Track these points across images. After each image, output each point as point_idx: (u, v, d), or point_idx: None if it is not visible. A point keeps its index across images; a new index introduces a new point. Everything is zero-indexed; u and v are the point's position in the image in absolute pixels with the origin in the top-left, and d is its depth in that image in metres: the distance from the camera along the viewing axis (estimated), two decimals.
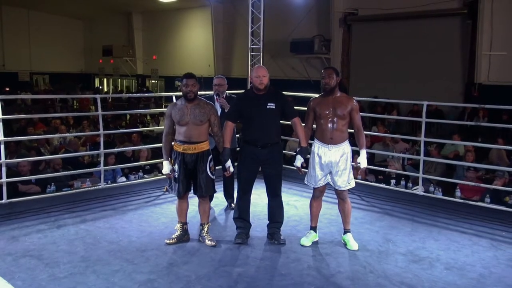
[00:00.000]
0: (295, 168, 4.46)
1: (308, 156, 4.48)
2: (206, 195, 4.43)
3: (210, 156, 4.38)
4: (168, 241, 4.40)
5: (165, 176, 4.56)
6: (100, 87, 24.62)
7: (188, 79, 4.24)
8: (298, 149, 4.42)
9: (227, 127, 4.38)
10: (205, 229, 4.48)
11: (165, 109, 4.53)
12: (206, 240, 4.42)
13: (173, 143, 4.43)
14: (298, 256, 4.20)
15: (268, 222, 4.61)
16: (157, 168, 7.42)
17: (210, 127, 4.36)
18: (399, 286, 3.70)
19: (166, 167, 4.38)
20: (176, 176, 4.32)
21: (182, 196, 4.41)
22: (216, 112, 4.40)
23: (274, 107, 4.28)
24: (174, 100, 5.33)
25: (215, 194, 5.60)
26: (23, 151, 8.15)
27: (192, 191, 4.46)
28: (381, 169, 7.20)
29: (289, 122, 4.45)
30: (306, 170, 4.48)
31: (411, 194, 6.30)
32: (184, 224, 4.49)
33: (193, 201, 4.78)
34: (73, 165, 7.46)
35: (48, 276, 3.71)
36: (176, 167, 4.32)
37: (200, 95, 5.31)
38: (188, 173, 4.34)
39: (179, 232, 4.46)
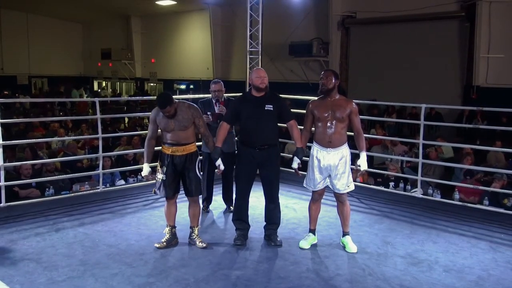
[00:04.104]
0: (293, 170, 4.46)
1: (306, 158, 4.49)
2: (195, 196, 4.43)
3: (199, 158, 4.40)
4: (158, 245, 4.40)
5: (155, 179, 4.54)
6: (99, 89, 24.65)
7: (162, 109, 4.15)
8: (294, 151, 4.44)
9: (222, 128, 4.40)
10: (195, 232, 4.49)
11: None
12: (197, 242, 4.43)
13: (160, 147, 4.42)
14: (297, 259, 4.20)
15: (265, 223, 4.62)
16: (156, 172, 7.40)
17: (197, 130, 4.36)
18: None
19: (146, 170, 4.40)
20: (164, 179, 4.32)
21: (171, 198, 4.41)
22: (199, 114, 4.36)
23: (272, 108, 4.32)
24: None
25: (214, 197, 5.64)
26: (21, 154, 8.14)
27: (180, 194, 4.46)
28: (380, 171, 7.20)
29: (286, 125, 4.47)
30: (303, 172, 4.49)
31: (410, 197, 6.31)
32: (172, 227, 4.49)
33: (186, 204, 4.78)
34: (71, 168, 7.45)
35: (47, 280, 3.71)
36: (164, 168, 4.31)
37: (199, 99, 5.33)
38: (177, 174, 4.34)
39: (168, 236, 4.46)
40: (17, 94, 19.67)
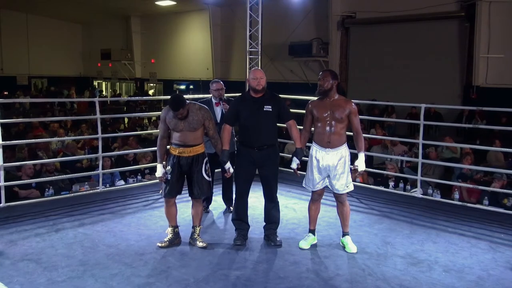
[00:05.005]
0: (292, 170, 4.46)
1: (305, 158, 4.49)
2: (201, 197, 4.44)
3: (206, 159, 4.40)
4: (160, 244, 4.41)
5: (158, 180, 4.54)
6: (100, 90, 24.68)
7: (175, 112, 4.14)
8: (293, 151, 4.44)
9: (225, 130, 4.41)
10: (197, 232, 4.49)
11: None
12: (197, 242, 4.44)
13: (168, 146, 4.43)
14: (296, 259, 4.20)
15: (264, 223, 4.62)
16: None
17: (205, 131, 4.36)
18: None
19: (160, 171, 4.37)
20: (169, 178, 4.32)
21: (171, 199, 4.41)
22: (210, 116, 4.37)
23: (270, 109, 4.32)
24: None
25: (214, 197, 5.64)
26: (21, 154, 8.14)
27: (179, 195, 4.46)
28: (379, 171, 7.19)
29: (284, 125, 4.48)
30: (303, 172, 4.49)
31: (410, 197, 6.31)
32: (175, 227, 4.50)
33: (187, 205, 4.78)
34: (71, 168, 7.45)
35: (47, 280, 3.71)
36: (169, 168, 4.32)
37: (198, 99, 5.33)
38: (182, 175, 4.34)
39: (170, 235, 4.47)
40: (17, 94, 19.68)
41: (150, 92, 21.63)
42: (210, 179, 4.46)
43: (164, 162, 4.38)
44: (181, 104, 4.13)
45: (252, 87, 4.34)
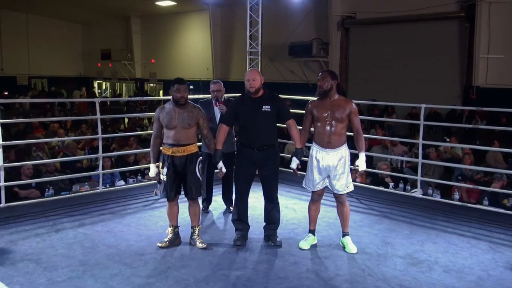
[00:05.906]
0: (292, 170, 4.47)
1: (305, 158, 4.49)
2: (196, 197, 4.44)
3: (199, 158, 4.41)
4: (160, 244, 4.41)
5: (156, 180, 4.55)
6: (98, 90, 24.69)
7: (180, 85, 4.23)
8: (293, 151, 4.44)
9: (221, 130, 4.41)
10: (196, 232, 4.50)
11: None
12: (197, 243, 4.43)
13: (161, 147, 4.44)
14: (296, 259, 4.20)
15: (264, 224, 4.62)
16: None
17: (199, 130, 4.38)
18: None
19: (153, 170, 4.39)
20: (165, 180, 4.33)
21: (173, 199, 4.42)
22: (204, 115, 4.40)
23: (269, 109, 4.32)
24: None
25: (214, 198, 5.64)
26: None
27: (179, 195, 4.47)
28: (376, 171, 7.18)
29: (285, 125, 4.48)
30: (302, 172, 4.49)
31: (410, 197, 6.31)
32: (175, 227, 4.50)
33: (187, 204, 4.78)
34: (71, 169, 7.45)
35: (47, 280, 3.71)
36: (165, 170, 4.32)
37: (198, 99, 5.34)
38: (177, 175, 4.35)
39: (170, 235, 4.47)
40: (16, 95, 19.69)
41: (161, 92, 21.56)
42: (202, 178, 4.46)
43: (159, 163, 4.39)
44: (186, 82, 4.25)
45: (246, 89, 4.36)
